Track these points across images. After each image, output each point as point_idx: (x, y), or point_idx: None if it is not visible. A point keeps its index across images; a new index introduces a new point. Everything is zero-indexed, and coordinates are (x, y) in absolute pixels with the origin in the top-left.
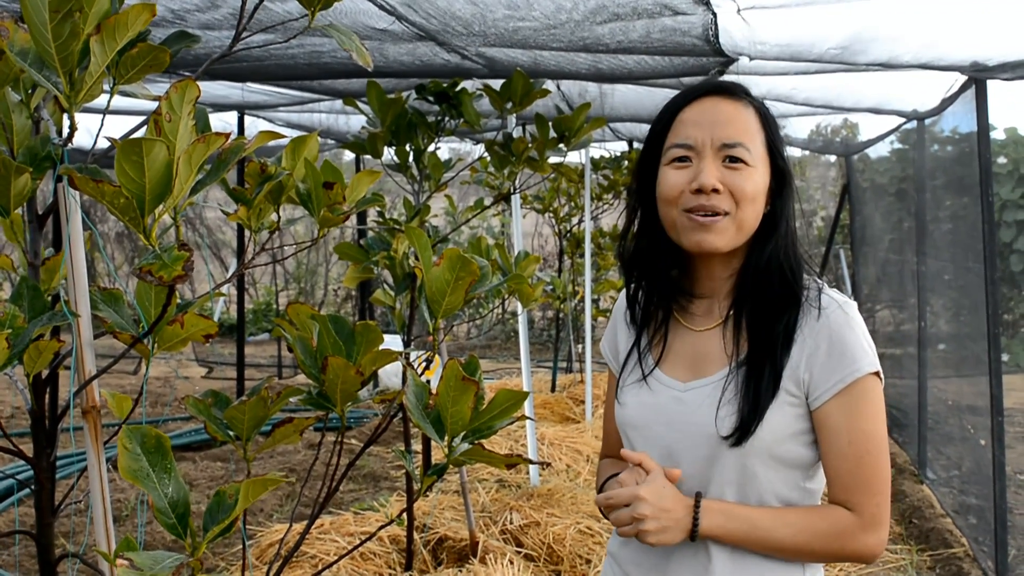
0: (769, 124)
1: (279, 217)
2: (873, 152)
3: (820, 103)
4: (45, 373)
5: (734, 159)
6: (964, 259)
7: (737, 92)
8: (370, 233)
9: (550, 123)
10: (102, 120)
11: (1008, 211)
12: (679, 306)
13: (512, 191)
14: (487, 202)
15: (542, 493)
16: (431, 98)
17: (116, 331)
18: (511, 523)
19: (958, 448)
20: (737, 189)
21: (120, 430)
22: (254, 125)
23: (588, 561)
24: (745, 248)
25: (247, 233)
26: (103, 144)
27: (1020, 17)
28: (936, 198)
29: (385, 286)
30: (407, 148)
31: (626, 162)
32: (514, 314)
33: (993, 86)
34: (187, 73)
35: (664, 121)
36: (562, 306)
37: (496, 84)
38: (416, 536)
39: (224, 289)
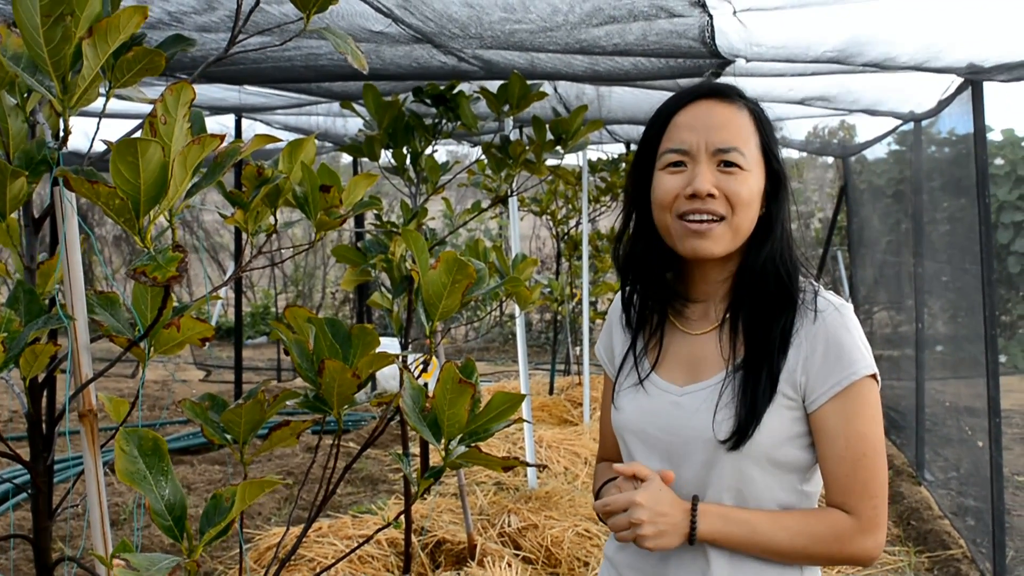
0: (764, 126)
1: (276, 220)
2: (870, 154)
3: (817, 104)
4: (42, 377)
5: (729, 164)
6: (961, 260)
7: (731, 95)
8: (368, 236)
9: (547, 125)
10: (98, 123)
11: (1005, 212)
12: (675, 310)
13: (509, 194)
14: (484, 205)
15: (540, 496)
16: (428, 101)
17: (112, 335)
18: (509, 526)
19: (956, 450)
20: (732, 194)
21: (117, 433)
22: (251, 128)
23: (586, 564)
24: (741, 251)
25: (244, 236)
26: (100, 147)
27: (1016, 19)
28: (933, 200)
29: (383, 289)
30: (404, 151)
31: (623, 164)
32: (512, 316)
33: (990, 88)
34: (184, 76)
35: (658, 125)
36: (560, 308)
37: (493, 86)
38: (414, 539)
39: (222, 292)
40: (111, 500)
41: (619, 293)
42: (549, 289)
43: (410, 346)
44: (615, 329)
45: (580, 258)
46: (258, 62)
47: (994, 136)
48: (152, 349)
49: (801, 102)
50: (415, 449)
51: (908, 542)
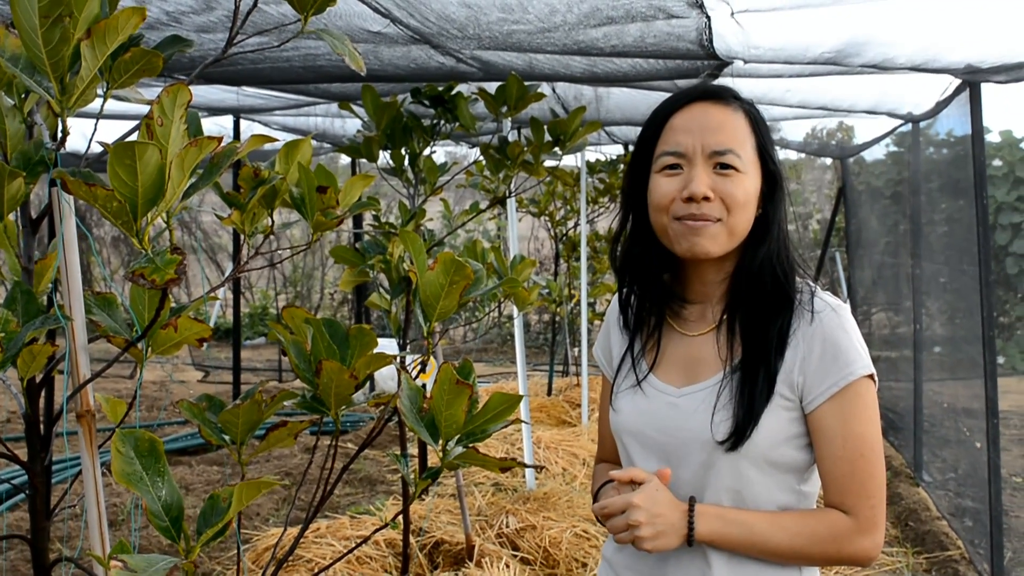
0: (759, 127)
1: (273, 221)
2: (868, 155)
3: (815, 105)
4: (39, 377)
5: (724, 166)
6: (959, 262)
7: (726, 97)
8: (366, 237)
9: (545, 127)
10: (95, 124)
11: (1003, 214)
12: (672, 311)
13: (508, 195)
14: (483, 206)
15: (538, 497)
16: (426, 102)
17: (110, 335)
18: (507, 527)
19: (954, 451)
20: (728, 196)
21: (114, 434)
22: (250, 128)
23: (584, 565)
24: (737, 252)
25: (242, 237)
26: (97, 148)
27: (1014, 20)
28: (931, 201)
29: (381, 290)
30: (402, 152)
31: (621, 165)
32: (510, 318)
33: (987, 89)
34: (182, 77)
35: (654, 128)
36: (558, 309)
37: (491, 87)
38: (412, 540)
39: (220, 293)
40: (109, 500)
41: (617, 295)
42: (547, 290)
43: (408, 347)
44: (613, 330)
45: (578, 259)
46: (256, 63)
47: (992, 137)
48: (150, 350)
49: (799, 103)
50: (413, 450)
51: (906, 543)
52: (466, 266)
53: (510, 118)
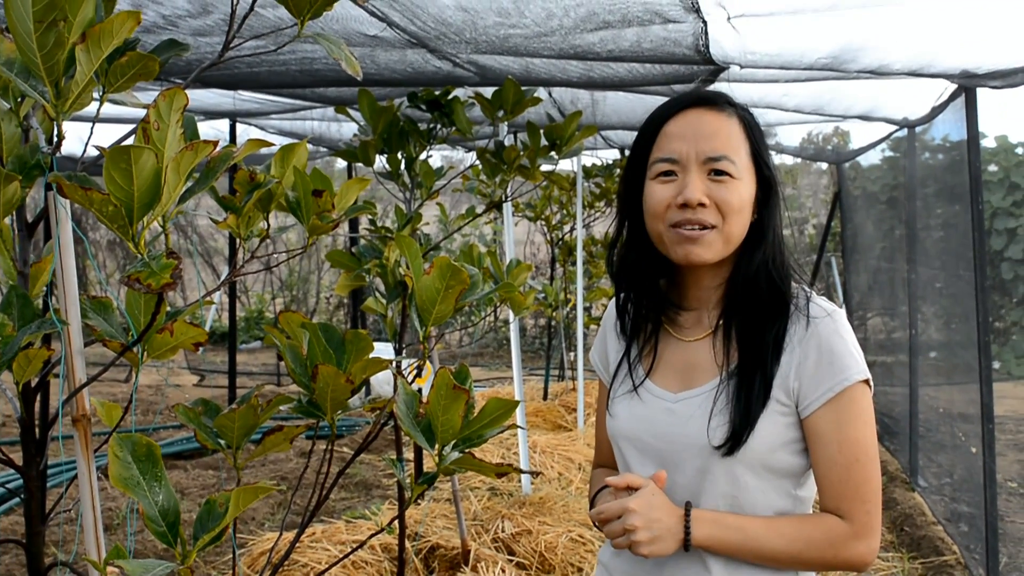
0: (754, 133)
1: (269, 225)
2: (864, 160)
3: (811, 110)
4: (35, 381)
5: (719, 172)
6: (955, 267)
7: (720, 103)
8: (362, 241)
9: (542, 131)
10: (91, 128)
11: (999, 219)
12: (668, 317)
13: (504, 199)
14: (479, 210)
15: (534, 501)
16: (423, 106)
17: (106, 339)
18: (503, 531)
19: (949, 456)
20: (723, 202)
21: (110, 438)
22: (246, 133)
23: (580, 569)
24: (733, 258)
25: (238, 240)
26: (93, 152)
27: (1010, 26)
28: (927, 206)
29: (377, 294)
30: (399, 156)
31: (618, 170)
32: (506, 322)
33: (983, 94)
34: (178, 80)
35: (648, 134)
36: (554, 314)
37: (488, 92)
38: (408, 544)
39: (216, 297)
40: (104, 505)
41: (613, 300)
42: (543, 295)
43: (404, 351)
44: (609, 336)
45: (574, 263)
46: (253, 67)
47: (988, 143)
48: (146, 354)
49: (795, 108)
50: (409, 454)
51: (901, 548)
52: (462, 270)
53: (506, 122)
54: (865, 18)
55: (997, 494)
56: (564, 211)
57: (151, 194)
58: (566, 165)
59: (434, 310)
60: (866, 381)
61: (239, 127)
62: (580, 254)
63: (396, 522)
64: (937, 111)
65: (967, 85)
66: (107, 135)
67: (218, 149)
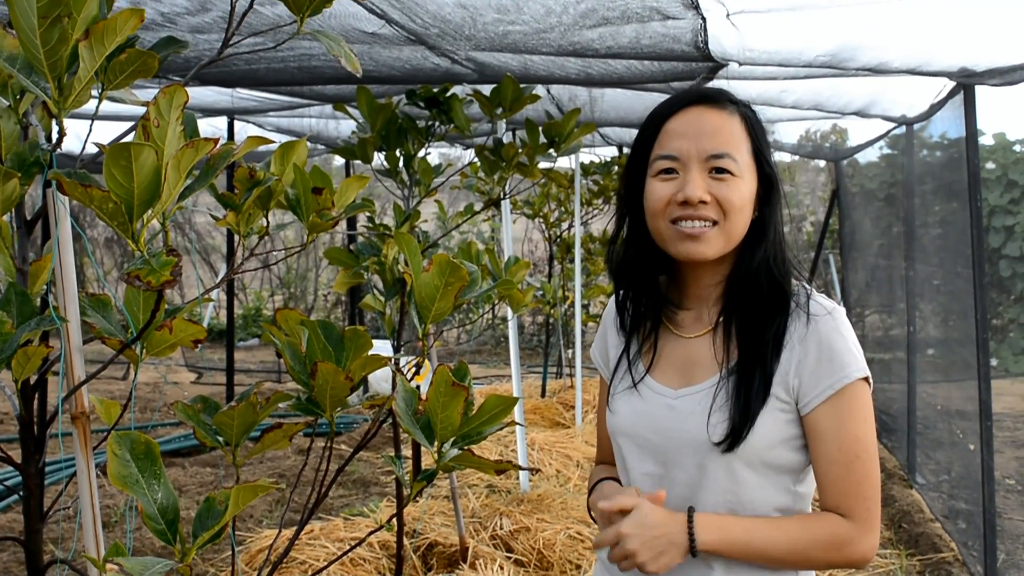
0: (755, 131)
1: (268, 222)
2: (862, 157)
3: (809, 107)
4: (34, 379)
5: (720, 170)
6: (953, 264)
7: (722, 100)
8: (360, 238)
9: (540, 128)
10: (91, 125)
11: (996, 216)
12: (668, 313)
13: (502, 196)
14: (477, 207)
15: (532, 498)
16: (421, 103)
17: (104, 337)
18: (501, 528)
19: (947, 453)
20: (724, 200)
21: (109, 436)
22: (244, 130)
23: (578, 567)
24: (733, 255)
25: (236, 238)
26: (92, 149)
27: (1008, 23)
28: (925, 203)
29: (375, 291)
30: (397, 153)
31: (616, 167)
32: (504, 319)
33: (981, 92)
34: (177, 78)
35: (649, 132)
36: (552, 311)
37: (486, 89)
38: (406, 542)
39: (214, 294)
40: (103, 502)
41: (613, 297)
42: (541, 292)
43: (403, 349)
44: (610, 332)
45: (573, 261)
46: (252, 64)
47: (986, 140)
48: (144, 351)
49: (794, 104)
50: (407, 452)
51: (899, 545)
52: (462, 267)
53: (505, 120)
54: (864, 15)
55: (995, 491)
56: (562, 208)
57: (151, 191)
58: (564, 162)
59: (433, 307)
60: (866, 379)
61: (237, 124)
62: (578, 251)
63: (394, 519)
64: (935, 108)
65: (966, 83)
66: (103, 133)
67: (218, 147)
